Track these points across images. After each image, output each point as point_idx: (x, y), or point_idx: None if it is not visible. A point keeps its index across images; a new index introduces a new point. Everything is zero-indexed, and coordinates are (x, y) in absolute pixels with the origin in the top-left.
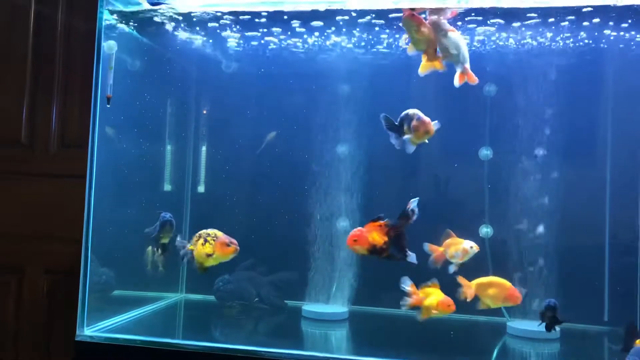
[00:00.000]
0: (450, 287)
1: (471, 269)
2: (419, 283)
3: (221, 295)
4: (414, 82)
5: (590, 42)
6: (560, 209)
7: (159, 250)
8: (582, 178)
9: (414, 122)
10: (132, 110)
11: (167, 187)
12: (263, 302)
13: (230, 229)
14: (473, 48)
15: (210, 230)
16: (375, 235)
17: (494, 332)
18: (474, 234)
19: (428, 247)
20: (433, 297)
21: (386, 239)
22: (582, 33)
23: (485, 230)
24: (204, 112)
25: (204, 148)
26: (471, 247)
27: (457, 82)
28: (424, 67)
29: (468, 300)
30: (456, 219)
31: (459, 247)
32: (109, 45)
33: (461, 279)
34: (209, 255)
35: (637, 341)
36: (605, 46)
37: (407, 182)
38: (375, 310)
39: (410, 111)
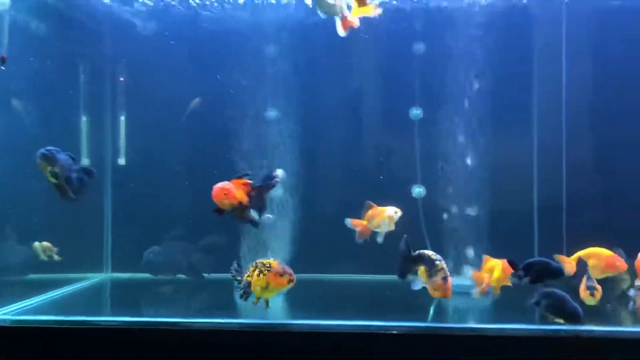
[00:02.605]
0: None
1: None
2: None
3: (152, 267)
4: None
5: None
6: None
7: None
8: (510, 134)
9: (438, 280)
10: (38, 77)
11: (84, 161)
12: (185, 274)
13: (155, 199)
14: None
15: (265, 260)
16: (241, 193)
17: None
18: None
19: (350, 222)
20: (495, 270)
21: (247, 198)
22: None
23: (418, 190)
24: (121, 79)
25: (122, 117)
26: (395, 213)
27: (340, 30)
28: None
29: (570, 275)
30: (388, 180)
31: (384, 216)
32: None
33: (561, 257)
34: (263, 288)
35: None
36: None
37: (339, 146)
38: (316, 277)
39: (439, 263)
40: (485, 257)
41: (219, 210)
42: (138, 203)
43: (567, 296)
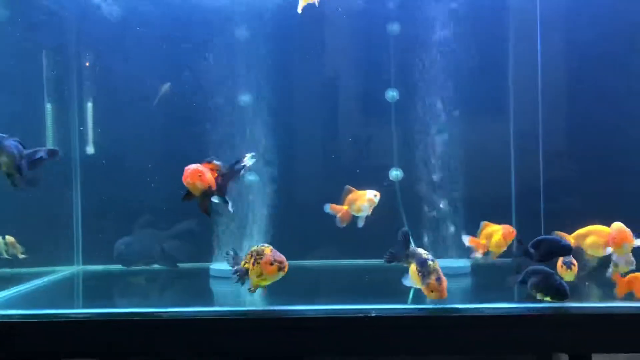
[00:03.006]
0: None
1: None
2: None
3: (124, 258)
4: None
5: None
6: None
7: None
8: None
9: (432, 281)
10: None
11: None
12: (159, 263)
13: (124, 187)
14: None
15: (260, 247)
16: (211, 177)
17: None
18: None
19: (330, 208)
20: (495, 235)
21: (215, 184)
22: None
23: (395, 173)
24: (87, 64)
25: (90, 104)
26: (375, 196)
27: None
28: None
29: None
30: (365, 163)
31: (364, 200)
32: None
33: (561, 234)
34: (259, 276)
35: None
36: None
37: (316, 132)
38: (295, 263)
39: (432, 264)
40: (483, 223)
41: (189, 195)
42: (109, 192)
43: (554, 273)
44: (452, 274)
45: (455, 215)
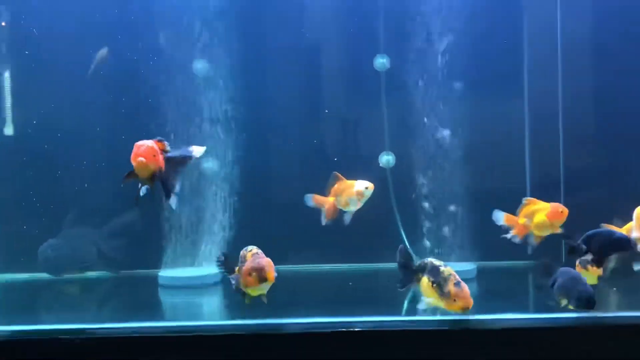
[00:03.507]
0: None
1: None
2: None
3: (51, 265)
4: None
5: None
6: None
7: None
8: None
9: (451, 288)
10: None
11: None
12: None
13: (47, 181)
14: None
15: (245, 251)
16: (161, 159)
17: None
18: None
19: (312, 199)
20: (538, 214)
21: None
22: None
23: (387, 158)
24: (2, 24)
25: (6, 74)
26: (366, 188)
27: None
28: None
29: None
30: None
31: (352, 192)
32: None
33: (609, 226)
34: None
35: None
36: None
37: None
38: None
39: (445, 269)
40: (526, 199)
41: (132, 175)
42: (31, 182)
43: (581, 276)
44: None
45: (459, 212)
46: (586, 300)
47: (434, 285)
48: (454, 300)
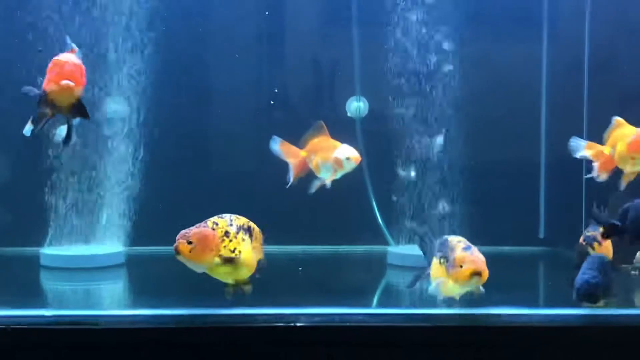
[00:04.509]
0: None
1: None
2: None
3: None
4: None
5: None
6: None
7: None
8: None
9: (460, 253)
10: None
11: None
12: None
13: None
14: None
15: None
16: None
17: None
18: None
19: (279, 146)
20: (621, 141)
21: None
22: None
23: (357, 105)
24: None
25: None
26: (347, 159)
27: None
28: None
29: None
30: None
31: (328, 156)
32: None
33: None
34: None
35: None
36: None
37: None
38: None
39: (451, 239)
40: (615, 119)
41: (45, 103)
42: None
43: (595, 265)
44: None
45: (455, 191)
46: (582, 293)
47: (442, 260)
48: (460, 266)
